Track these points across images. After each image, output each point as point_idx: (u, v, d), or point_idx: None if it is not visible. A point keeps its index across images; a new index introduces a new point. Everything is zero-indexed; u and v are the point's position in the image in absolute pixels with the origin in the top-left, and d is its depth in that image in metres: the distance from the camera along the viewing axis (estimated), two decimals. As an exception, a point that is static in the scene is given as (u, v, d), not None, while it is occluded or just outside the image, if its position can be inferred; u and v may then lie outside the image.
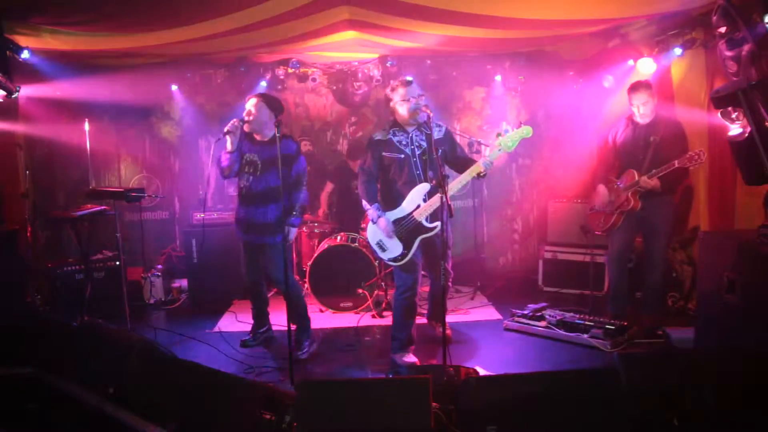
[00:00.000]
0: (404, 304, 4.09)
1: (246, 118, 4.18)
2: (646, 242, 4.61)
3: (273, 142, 4.08)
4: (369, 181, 4.05)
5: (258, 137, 4.31)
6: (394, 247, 3.96)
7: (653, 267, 4.54)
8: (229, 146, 4.18)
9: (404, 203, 3.93)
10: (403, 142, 3.96)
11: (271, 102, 4.31)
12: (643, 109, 4.40)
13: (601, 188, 4.69)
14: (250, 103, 4.24)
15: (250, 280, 4.53)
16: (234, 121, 4.14)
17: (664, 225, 4.48)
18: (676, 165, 4.17)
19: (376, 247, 4.04)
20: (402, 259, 3.95)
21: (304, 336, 4.43)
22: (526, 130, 3.73)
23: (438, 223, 3.86)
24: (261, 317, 4.67)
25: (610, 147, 4.67)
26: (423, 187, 3.89)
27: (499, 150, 3.75)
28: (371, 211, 3.98)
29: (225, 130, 4.12)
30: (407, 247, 3.93)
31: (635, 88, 4.42)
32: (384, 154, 3.97)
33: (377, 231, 4.00)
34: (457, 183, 3.85)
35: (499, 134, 3.77)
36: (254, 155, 4.28)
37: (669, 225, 4.51)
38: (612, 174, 4.66)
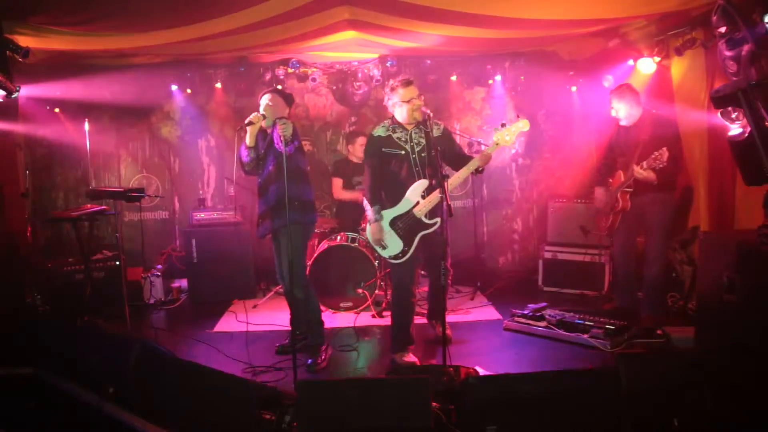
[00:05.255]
0: (402, 304, 4.09)
1: (264, 113, 4.07)
2: (644, 239, 4.66)
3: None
4: (373, 178, 4.04)
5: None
6: (395, 245, 3.96)
7: (649, 263, 4.60)
8: (248, 140, 4.06)
9: (404, 200, 3.93)
10: (403, 139, 3.97)
11: (284, 95, 4.30)
12: (620, 114, 4.56)
13: (598, 191, 4.79)
14: (266, 98, 4.18)
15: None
16: (255, 114, 4.02)
17: (658, 222, 4.53)
18: (644, 166, 4.28)
19: (376, 245, 4.04)
20: (403, 257, 3.95)
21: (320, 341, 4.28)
22: (523, 123, 3.78)
23: (437, 220, 3.87)
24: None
25: (607, 149, 4.76)
26: (422, 184, 3.90)
27: (497, 143, 3.79)
28: (370, 212, 3.99)
29: (246, 121, 3.99)
30: (408, 244, 3.94)
31: (613, 92, 4.59)
32: (383, 150, 3.97)
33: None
34: (455, 179, 3.89)
35: (497, 128, 3.82)
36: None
37: (664, 222, 4.54)
38: (609, 176, 4.74)
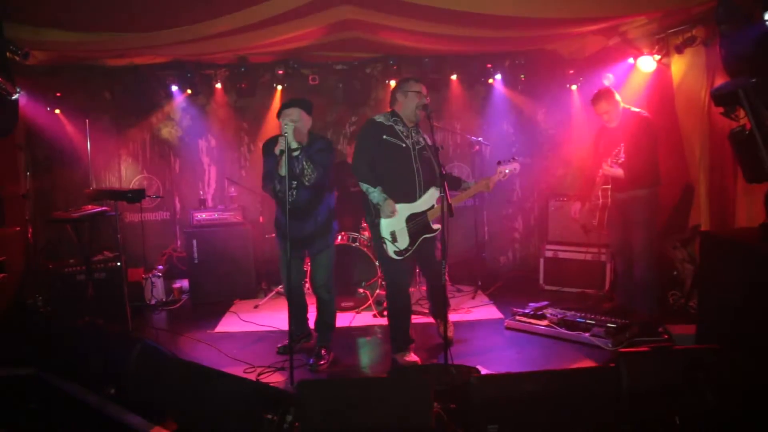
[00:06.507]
0: (399, 305, 4.09)
1: (288, 132, 3.71)
2: (630, 237, 4.67)
3: (309, 145, 3.95)
4: (369, 160, 3.96)
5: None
6: (404, 241, 3.99)
7: (635, 262, 4.62)
8: (284, 170, 3.70)
9: (421, 200, 4.00)
10: (404, 133, 4.01)
11: (306, 106, 4.03)
12: (606, 117, 4.63)
13: (575, 206, 5.03)
14: (294, 114, 3.89)
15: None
16: (282, 140, 3.69)
17: (638, 218, 4.56)
18: (608, 163, 4.52)
19: (388, 236, 3.95)
20: (405, 254, 3.99)
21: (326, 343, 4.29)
22: (516, 166, 4.18)
23: (438, 226, 3.98)
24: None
25: (594, 154, 4.88)
26: (437, 190, 3.95)
27: (498, 175, 4.12)
28: (376, 193, 3.88)
29: (279, 150, 3.70)
30: (413, 242, 3.99)
31: (595, 99, 4.63)
32: (385, 137, 3.95)
33: (392, 222, 3.94)
34: (457, 200, 4.07)
35: (500, 162, 4.17)
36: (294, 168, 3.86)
37: (643, 219, 4.56)
38: (592, 185, 4.88)
